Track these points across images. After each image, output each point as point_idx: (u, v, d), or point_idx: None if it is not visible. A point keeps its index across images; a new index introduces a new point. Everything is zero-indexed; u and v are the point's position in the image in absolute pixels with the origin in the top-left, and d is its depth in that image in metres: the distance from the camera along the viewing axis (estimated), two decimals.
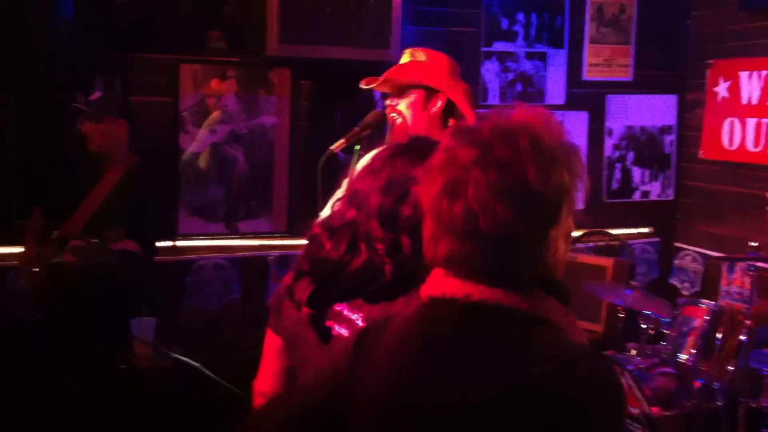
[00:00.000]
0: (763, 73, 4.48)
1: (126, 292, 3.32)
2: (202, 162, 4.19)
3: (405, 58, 2.90)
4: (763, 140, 4.47)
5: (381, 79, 2.82)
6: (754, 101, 4.54)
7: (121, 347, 3.29)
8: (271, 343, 1.84)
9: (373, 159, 1.72)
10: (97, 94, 3.62)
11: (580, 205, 1.28)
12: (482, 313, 1.20)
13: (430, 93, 2.80)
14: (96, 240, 3.18)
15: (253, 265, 4.27)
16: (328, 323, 1.61)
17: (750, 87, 4.57)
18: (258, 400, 1.87)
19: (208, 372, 3.05)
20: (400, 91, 2.83)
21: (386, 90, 2.89)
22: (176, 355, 3.10)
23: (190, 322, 4.10)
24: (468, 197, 1.18)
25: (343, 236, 1.62)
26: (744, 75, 4.60)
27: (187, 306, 4.15)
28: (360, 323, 1.58)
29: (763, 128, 4.47)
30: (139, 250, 3.31)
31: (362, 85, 2.90)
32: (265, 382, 1.85)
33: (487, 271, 1.21)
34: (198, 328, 4.08)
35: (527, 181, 1.18)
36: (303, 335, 1.65)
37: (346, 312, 1.59)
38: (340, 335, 1.61)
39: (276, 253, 4.26)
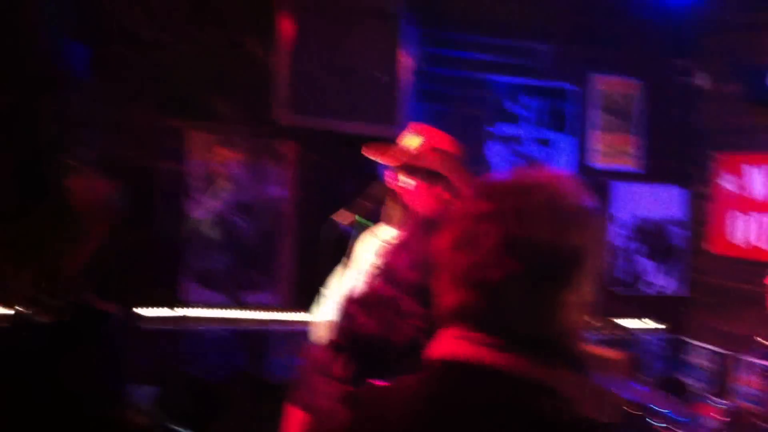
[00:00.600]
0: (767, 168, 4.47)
1: (101, 355, 3.21)
2: (207, 229, 4.14)
3: (412, 139, 2.86)
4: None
5: (398, 162, 2.79)
6: (759, 197, 4.52)
7: (112, 415, 3.17)
8: (295, 419, 1.79)
9: (405, 235, 1.70)
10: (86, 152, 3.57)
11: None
12: (493, 378, 1.17)
13: (435, 177, 2.78)
14: (72, 299, 3.10)
15: (255, 338, 4.18)
16: None
17: (754, 182, 4.55)
18: None
19: None
20: (406, 172, 2.80)
21: (399, 168, 2.85)
22: (173, 426, 2.98)
23: (189, 392, 3.98)
24: (478, 249, 1.17)
25: (380, 312, 1.58)
26: (748, 169, 4.59)
27: (187, 376, 4.04)
28: None
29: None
30: (115, 310, 3.21)
31: (365, 153, 2.87)
32: None
33: (495, 327, 1.17)
34: (196, 399, 3.97)
35: (540, 238, 1.16)
36: (339, 412, 1.58)
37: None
38: None
39: (279, 327, 4.19)
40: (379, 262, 2.30)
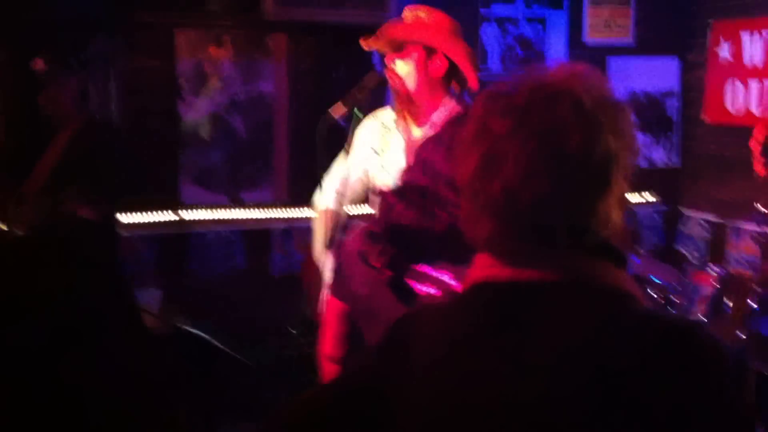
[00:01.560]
0: (765, 33, 4.41)
1: (93, 260, 3.23)
2: (201, 130, 4.13)
3: (406, 17, 2.82)
4: (767, 103, 4.42)
5: (378, 33, 2.74)
6: (757, 63, 4.48)
7: (123, 323, 3.24)
8: (334, 309, 1.87)
9: (438, 129, 1.70)
10: (39, 64, 3.45)
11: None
12: (536, 293, 1.10)
13: (431, 53, 2.73)
14: (47, 199, 3.10)
15: (256, 236, 4.23)
16: (410, 282, 1.63)
17: (752, 48, 4.51)
18: (326, 364, 1.90)
19: (214, 341, 3.01)
20: (399, 50, 2.75)
21: (386, 49, 2.81)
22: (182, 326, 3.06)
23: (195, 292, 4.06)
24: (505, 173, 1.09)
25: (417, 201, 1.63)
26: (746, 35, 4.53)
27: (191, 277, 4.11)
28: (450, 282, 1.57)
29: (767, 91, 4.41)
30: (93, 215, 3.20)
31: (362, 44, 2.83)
32: (331, 347, 1.89)
33: (534, 252, 1.11)
34: (203, 298, 4.05)
35: (570, 151, 1.08)
36: (380, 297, 1.67)
37: (432, 272, 1.60)
38: (428, 294, 1.62)
39: (280, 224, 4.23)
40: (413, 155, 2.30)
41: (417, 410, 1.13)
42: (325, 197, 2.97)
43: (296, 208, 4.18)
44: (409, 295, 1.64)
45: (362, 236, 1.82)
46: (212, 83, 4.12)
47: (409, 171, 1.77)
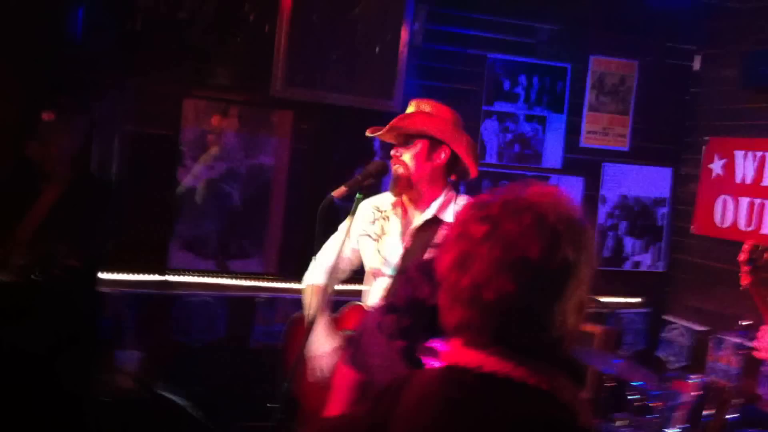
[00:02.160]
0: (759, 153, 4.53)
1: (78, 315, 3.23)
2: (197, 197, 4.17)
3: (410, 109, 2.92)
4: (755, 220, 4.50)
5: (387, 127, 2.85)
6: (748, 181, 4.59)
7: (96, 378, 3.21)
8: (345, 377, 1.92)
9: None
10: (49, 116, 3.52)
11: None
12: (492, 384, 1.27)
13: (435, 144, 2.83)
14: (36, 249, 3.12)
15: (241, 305, 4.22)
16: (420, 356, 1.70)
17: (745, 166, 4.62)
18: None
19: (189, 409, 2.98)
20: (405, 141, 2.86)
21: (391, 140, 2.92)
22: (159, 390, 3.03)
23: (175, 357, 4.03)
24: (474, 270, 1.27)
25: (434, 279, 1.71)
26: (739, 154, 4.66)
27: (173, 341, 4.08)
28: None
29: (756, 208, 4.50)
30: (78, 267, 3.20)
31: (368, 134, 2.92)
32: (337, 412, 1.93)
33: (494, 340, 1.28)
34: (182, 364, 4.02)
35: (530, 257, 1.24)
36: (391, 366, 1.73)
37: (440, 347, 1.66)
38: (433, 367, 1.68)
39: (265, 294, 4.23)
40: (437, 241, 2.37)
41: None
42: (316, 273, 3.04)
43: (282, 282, 4.19)
44: (419, 366, 1.74)
45: (381, 309, 1.92)
46: (213, 151, 4.17)
47: (432, 251, 1.91)
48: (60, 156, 3.33)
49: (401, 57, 4.32)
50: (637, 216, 5.13)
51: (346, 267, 3.10)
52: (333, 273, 2.96)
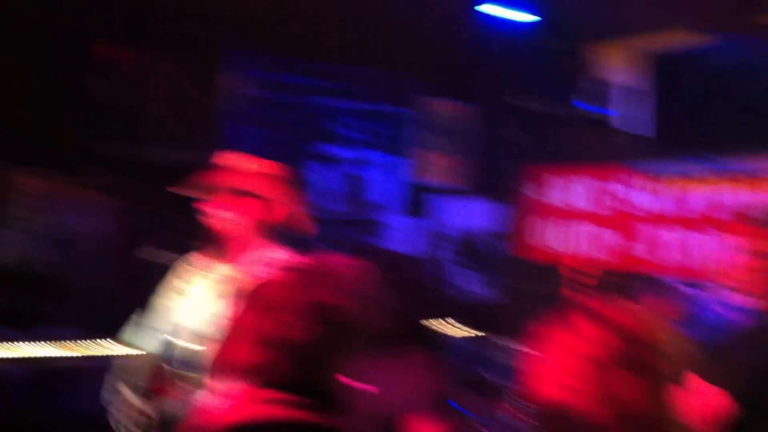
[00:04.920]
0: (568, 178, 4.78)
1: None
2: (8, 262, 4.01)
3: (234, 163, 2.88)
4: (568, 241, 4.77)
5: (215, 187, 2.80)
6: (557, 203, 4.84)
7: None
8: None
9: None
10: None
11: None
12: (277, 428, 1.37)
13: (260, 200, 2.79)
14: None
15: (53, 373, 3.99)
16: None
17: (554, 190, 4.86)
18: None
19: None
20: (229, 197, 2.81)
21: (214, 197, 2.86)
22: None
23: None
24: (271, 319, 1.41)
25: None
26: (549, 179, 4.88)
27: None
28: None
29: (569, 229, 4.77)
30: None
31: (185, 191, 2.86)
32: None
33: (274, 395, 1.38)
34: None
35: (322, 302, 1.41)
36: None
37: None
38: None
39: (79, 362, 4.03)
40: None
41: None
42: (146, 339, 2.90)
43: (99, 347, 4.03)
44: None
45: None
46: (30, 217, 4.05)
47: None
48: None
49: (218, 107, 4.34)
50: (467, 247, 5.30)
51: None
52: (168, 340, 2.82)
